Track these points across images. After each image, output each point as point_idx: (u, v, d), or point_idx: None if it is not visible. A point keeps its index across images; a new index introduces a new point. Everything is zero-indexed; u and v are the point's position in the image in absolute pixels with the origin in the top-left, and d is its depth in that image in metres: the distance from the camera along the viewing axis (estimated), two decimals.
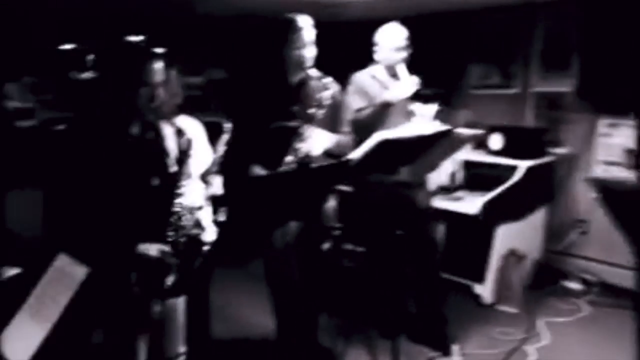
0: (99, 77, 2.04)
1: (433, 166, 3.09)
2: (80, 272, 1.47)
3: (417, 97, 2.93)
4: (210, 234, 2.06)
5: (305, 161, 2.53)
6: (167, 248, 1.91)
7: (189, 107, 2.56)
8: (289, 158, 2.57)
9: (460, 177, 4.31)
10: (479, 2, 4.00)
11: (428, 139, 2.39)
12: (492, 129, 4.13)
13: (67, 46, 7.40)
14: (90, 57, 7.19)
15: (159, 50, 1.95)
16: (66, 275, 1.50)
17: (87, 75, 7.12)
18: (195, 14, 4.67)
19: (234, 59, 6.90)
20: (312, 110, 2.59)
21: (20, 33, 6.35)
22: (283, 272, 2.77)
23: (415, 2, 4.01)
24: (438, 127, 2.68)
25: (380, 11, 4.15)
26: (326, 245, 2.61)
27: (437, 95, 3.24)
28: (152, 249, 1.89)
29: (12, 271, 2.19)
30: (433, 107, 2.96)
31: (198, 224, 2.05)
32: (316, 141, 2.55)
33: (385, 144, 2.20)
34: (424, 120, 2.90)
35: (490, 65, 4.55)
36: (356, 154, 2.23)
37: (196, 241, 2.03)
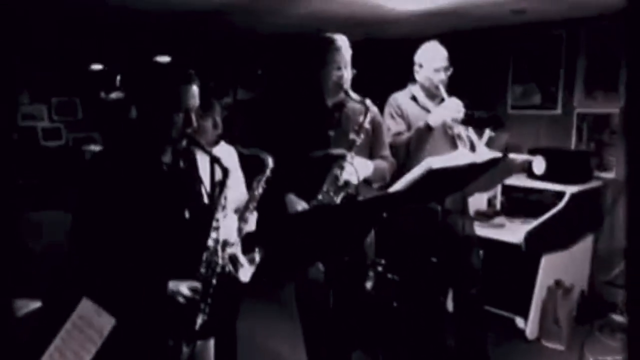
0: (128, 99, 1.91)
1: (478, 191, 2.90)
2: (105, 323, 1.32)
3: (464, 121, 2.74)
4: (245, 273, 1.89)
5: (344, 191, 2.38)
6: (197, 285, 1.76)
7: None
8: (326, 187, 2.43)
9: (499, 202, 4.12)
10: (519, 18, 3.82)
11: (479, 167, 2.21)
12: (534, 152, 3.92)
13: (96, 67, 7.42)
14: (119, 77, 7.20)
15: (194, 73, 1.80)
16: (90, 326, 1.35)
17: (115, 95, 7.14)
18: (230, 32, 4.57)
19: (266, 80, 6.83)
20: (351, 136, 2.44)
21: (49, 54, 6.39)
22: (316, 304, 2.61)
23: (453, 19, 3.85)
24: (488, 153, 2.49)
25: (418, 29, 4.01)
26: (369, 284, 2.43)
27: (488, 119, 3.05)
28: (183, 287, 1.73)
29: (32, 305, 2.06)
30: (485, 133, 2.76)
31: (232, 261, 1.88)
32: (356, 169, 2.39)
33: (433, 174, 2.03)
34: (477, 146, 2.70)
35: (530, 84, 4.35)
36: (401, 184, 2.06)
37: (229, 279, 1.86)
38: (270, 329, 3.72)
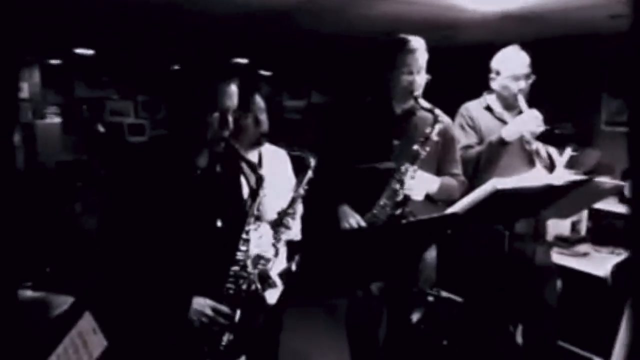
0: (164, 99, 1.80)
1: (557, 217, 2.57)
2: (97, 344, 1.20)
3: (542, 136, 2.41)
4: (272, 294, 1.72)
5: (403, 207, 2.16)
6: (223, 308, 1.61)
7: (283, 135, 2.29)
8: (384, 201, 2.22)
9: (584, 227, 3.70)
10: (614, 25, 3.40)
11: (557, 191, 1.91)
12: (628, 175, 3.48)
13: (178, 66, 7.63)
14: None
15: (235, 68, 1.66)
16: (84, 345, 1.24)
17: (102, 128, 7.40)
18: (299, 33, 4.47)
19: (335, 83, 6.70)
20: (416, 147, 2.21)
21: (137, 53, 6.62)
22: (363, 325, 2.43)
23: (540, 24, 3.50)
24: (569, 175, 2.18)
25: (499, 34, 3.69)
26: (416, 316, 2.19)
27: (570, 136, 2.70)
28: (208, 309, 1.59)
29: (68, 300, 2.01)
30: (566, 152, 2.43)
31: (262, 279, 1.72)
32: (418, 184, 2.16)
33: (499, 195, 1.77)
34: (557, 166, 2.38)
35: (627, 99, 3.89)
36: (462, 204, 1.82)
37: (259, 298, 1.70)
38: (316, 341, 3.54)
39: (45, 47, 6.02)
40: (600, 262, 3.17)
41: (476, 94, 2.76)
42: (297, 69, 7.03)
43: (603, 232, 3.59)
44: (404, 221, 2.09)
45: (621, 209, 3.44)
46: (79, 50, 6.13)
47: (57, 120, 7.11)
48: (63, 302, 2.09)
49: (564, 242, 3.50)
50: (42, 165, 6.47)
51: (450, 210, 1.83)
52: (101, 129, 7.78)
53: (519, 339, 3.25)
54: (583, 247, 3.48)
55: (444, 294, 3.71)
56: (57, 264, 3.39)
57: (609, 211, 3.50)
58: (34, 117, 6.64)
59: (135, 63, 7.33)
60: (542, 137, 2.43)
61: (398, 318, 2.32)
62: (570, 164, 2.60)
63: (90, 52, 6.18)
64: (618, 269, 3.01)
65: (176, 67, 1.73)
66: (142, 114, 8.23)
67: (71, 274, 2.69)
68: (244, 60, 6.71)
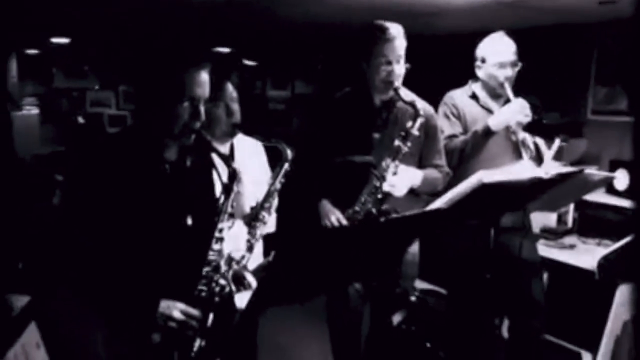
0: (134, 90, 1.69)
1: (544, 210, 2.50)
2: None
3: (530, 126, 2.34)
4: (241, 297, 1.63)
5: (384, 203, 2.07)
6: (194, 311, 1.51)
7: (267, 125, 2.19)
8: (365, 197, 2.14)
9: (570, 219, 3.65)
10: (606, 11, 3.33)
11: (544, 184, 1.84)
12: (616, 165, 3.43)
13: None
14: None
15: (205, 56, 1.55)
16: (27, 358, 1.14)
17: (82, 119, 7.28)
18: (277, 23, 4.36)
19: (318, 73, 6.61)
20: (397, 143, 2.12)
21: (117, 41, 6.46)
22: (345, 323, 2.35)
23: (526, 11, 3.41)
24: (557, 167, 2.10)
25: (483, 21, 3.60)
26: (397, 318, 2.12)
27: (558, 127, 2.63)
28: (176, 312, 1.49)
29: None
30: (555, 143, 2.35)
31: (238, 279, 1.62)
32: (400, 180, 2.08)
33: (485, 189, 1.69)
34: (544, 157, 2.31)
35: (616, 87, 3.82)
36: (446, 199, 1.73)
37: (232, 300, 1.61)
38: (298, 335, 3.47)
39: (22, 36, 5.84)
40: (587, 254, 3.13)
41: (460, 82, 2.67)
42: (281, 58, 6.91)
43: (590, 223, 3.54)
44: (386, 217, 2.01)
45: (609, 199, 3.39)
46: (56, 40, 5.96)
47: (34, 111, 6.93)
48: (21, 305, 1.98)
49: (551, 234, 3.46)
50: (19, 159, 6.30)
51: (434, 204, 1.75)
52: (81, 120, 7.60)
53: (505, 333, 3.21)
54: (570, 239, 3.43)
55: (428, 286, 3.65)
56: (29, 260, 3.27)
57: (596, 202, 3.46)
58: (11, 108, 6.45)
59: (116, 52, 7.15)
60: (530, 128, 2.35)
61: (380, 315, 2.25)
62: (558, 155, 2.53)
63: (67, 40, 6.01)
64: (605, 260, 2.97)
65: (143, 54, 1.62)
66: (124, 105, 8.04)
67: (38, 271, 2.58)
68: (226, 50, 6.58)
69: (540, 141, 2.42)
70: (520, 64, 2.51)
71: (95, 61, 7.47)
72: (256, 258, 1.91)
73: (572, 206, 3.61)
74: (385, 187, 2.09)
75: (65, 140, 7.01)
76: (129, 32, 5.50)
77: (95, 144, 1.66)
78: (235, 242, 1.72)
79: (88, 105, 7.77)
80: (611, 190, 3.40)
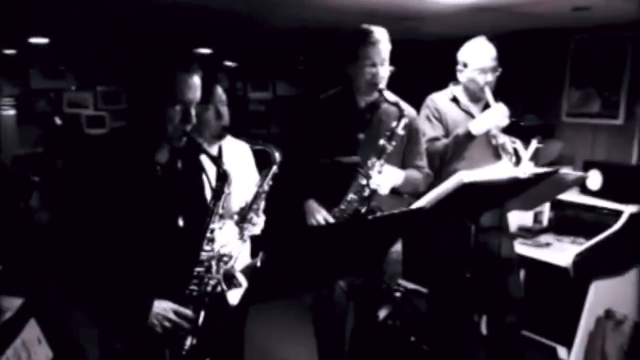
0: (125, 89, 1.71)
1: (521, 209, 2.59)
2: (42, 357, 1.13)
3: (509, 128, 2.42)
4: (234, 295, 1.67)
5: (370, 201, 2.13)
6: (186, 311, 1.55)
7: (247, 127, 2.21)
8: (350, 196, 2.19)
9: (546, 218, 3.75)
10: (581, 17, 3.44)
11: (522, 183, 1.92)
12: (589, 165, 3.54)
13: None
14: None
15: (196, 59, 1.59)
16: (29, 354, 1.16)
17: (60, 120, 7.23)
18: (262, 25, 4.38)
19: (302, 75, 6.64)
20: (382, 142, 2.18)
21: (95, 41, 6.40)
22: (330, 322, 2.40)
23: (506, 17, 3.50)
24: (534, 168, 2.19)
25: (465, 26, 3.69)
26: (383, 312, 2.18)
27: (536, 129, 2.72)
28: (170, 313, 1.53)
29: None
30: (532, 144, 2.44)
31: (229, 278, 1.66)
32: (385, 179, 2.14)
33: (466, 188, 1.76)
34: (522, 159, 2.39)
35: (590, 89, 3.95)
36: (429, 198, 1.80)
37: (223, 299, 1.65)
38: (285, 333, 3.51)
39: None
40: (561, 252, 3.21)
41: (442, 86, 2.75)
42: (262, 60, 6.92)
43: (565, 222, 3.65)
44: (371, 216, 2.06)
45: (582, 199, 3.50)
46: (34, 40, 5.88)
47: (11, 112, 6.83)
48: (10, 306, 1.98)
49: (527, 233, 3.55)
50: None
51: (417, 203, 1.81)
52: (58, 121, 7.51)
53: (484, 329, 3.29)
54: (545, 238, 3.53)
55: (410, 285, 3.72)
56: (10, 262, 3.24)
57: (570, 202, 3.56)
58: None
59: (94, 52, 7.08)
60: (509, 130, 2.44)
61: (365, 312, 2.31)
62: (534, 156, 2.62)
63: (45, 40, 5.94)
64: (579, 258, 3.07)
65: (135, 56, 1.65)
66: (102, 106, 7.95)
67: (25, 273, 2.57)
68: (206, 51, 6.56)
69: (519, 143, 2.51)
70: (500, 70, 2.59)
71: (74, 62, 7.39)
72: (243, 259, 1.95)
73: (547, 206, 3.72)
74: (371, 185, 2.14)
75: (44, 141, 6.93)
76: (110, 33, 5.46)
77: (87, 145, 1.69)
78: (227, 242, 1.75)
79: (65, 105, 7.67)
80: (585, 190, 3.51)
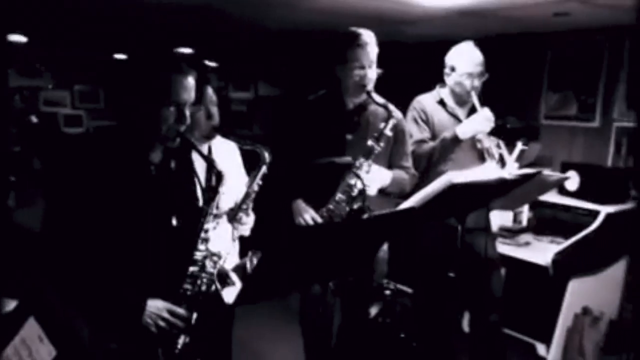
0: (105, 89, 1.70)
1: (504, 209, 2.65)
2: (45, 355, 1.13)
3: (494, 131, 2.48)
4: (229, 293, 1.68)
5: (358, 201, 2.16)
6: (180, 310, 1.56)
7: (229, 127, 2.23)
8: (338, 195, 2.22)
9: (525, 218, 3.84)
10: (560, 22, 3.53)
11: (507, 184, 1.97)
12: (567, 167, 3.64)
13: (119, 56, 7.34)
14: None
15: (189, 61, 1.60)
16: (29, 355, 1.16)
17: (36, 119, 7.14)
18: (248, 27, 4.39)
19: (285, 76, 6.64)
20: (370, 143, 2.22)
21: (73, 40, 6.30)
22: (319, 325, 2.42)
23: (489, 21, 3.58)
24: (518, 170, 2.25)
25: (447, 29, 3.76)
26: (374, 310, 2.21)
27: (521, 131, 2.78)
28: (164, 312, 1.54)
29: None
30: (517, 147, 2.50)
31: (220, 277, 1.68)
32: (373, 179, 2.17)
33: (454, 189, 1.80)
34: (507, 161, 2.45)
35: (567, 92, 4.05)
36: (417, 199, 1.84)
37: (217, 298, 1.66)
38: (272, 334, 3.52)
39: None
40: (540, 251, 3.29)
41: (428, 88, 2.79)
42: (244, 60, 6.92)
43: (543, 222, 3.74)
44: (360, 216, 2.10)
45: (561, 200, 3.59)
46: (12, 37, 5.78)
47: None
48: (7, 307, 1.96)
49: (507, 232, 3.63)
50: None
51: (406, 203, 1.85)
52: (34, 119, 7.38)
53: (466, 327, 3.35)
54: (525, 237, 3.61)
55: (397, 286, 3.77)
56: None
57: (549, 202, 3.65)
58: None
59: (72, 51, 6.98)
60: (495, 132, 2.50)
61: (352, 311, 2.34)
62: (518, 158, 2.68)
63: (23, 39, 5.84)
64: (558, 256, 3.16)
65: (124, 57, 1.65)
66: (79, 105, 7.84)
67: (10, 273, 2.53)
68: (188, 50, 6.53)
69: (502, 145, 2.57)
70: (487, 75, 2.64)
71: (51, 60, 7.28)
72: (232, 259, 1.96)
73: (526, 206, 3.81)
74: (360, 185, 2.18)
75: (20, 140, 6.81)
76: (84, 31, 5.40)
77: (73, 145, 1.68)
78: (221, 241, 1.76)
79: (41, 104, 7.55)
80: (563, 191, 3.60)
